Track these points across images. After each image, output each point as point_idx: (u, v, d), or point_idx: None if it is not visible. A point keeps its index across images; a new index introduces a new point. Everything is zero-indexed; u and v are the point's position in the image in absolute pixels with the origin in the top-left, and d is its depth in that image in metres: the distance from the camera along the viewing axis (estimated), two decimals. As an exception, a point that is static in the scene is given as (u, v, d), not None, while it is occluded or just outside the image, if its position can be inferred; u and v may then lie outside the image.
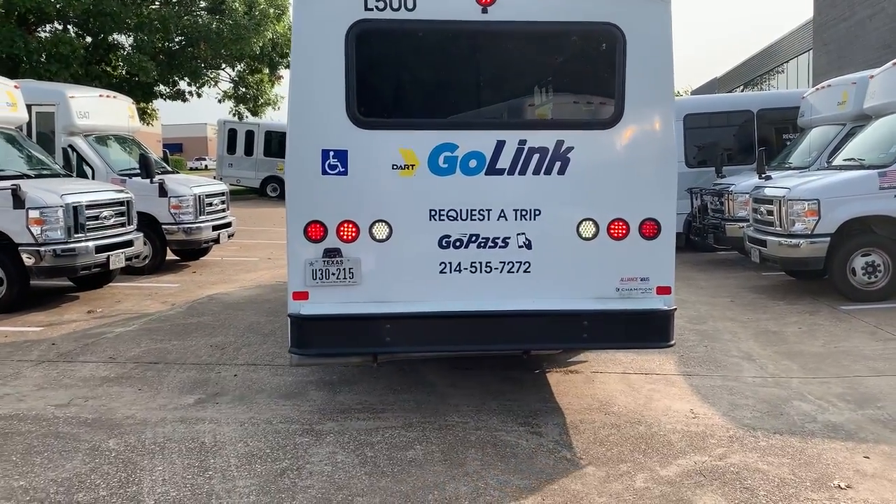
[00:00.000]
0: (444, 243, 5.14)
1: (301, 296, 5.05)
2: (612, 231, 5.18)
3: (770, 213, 10.11)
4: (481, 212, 5.11)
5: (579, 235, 5.18)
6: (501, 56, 5.47)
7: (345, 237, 5.06)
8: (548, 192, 5.15)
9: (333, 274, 5.05)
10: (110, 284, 11.02)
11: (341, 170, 5.02)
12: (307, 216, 5.04)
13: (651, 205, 5.18)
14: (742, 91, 42.03)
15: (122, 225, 10.38)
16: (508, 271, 5.17)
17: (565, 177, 5.13)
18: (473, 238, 5.12)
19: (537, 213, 5.15)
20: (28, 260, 9.12)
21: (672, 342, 5.26)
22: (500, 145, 5.09)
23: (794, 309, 9.08)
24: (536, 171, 5.12)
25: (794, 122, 14.40)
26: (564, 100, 5.75)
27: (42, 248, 9.12)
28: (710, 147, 15.20)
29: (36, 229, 9.07)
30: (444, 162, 5.08)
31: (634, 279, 5.20)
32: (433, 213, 5.11)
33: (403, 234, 5.11)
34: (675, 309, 5.24)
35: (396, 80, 5.60)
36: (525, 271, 5.17)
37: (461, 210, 5.11)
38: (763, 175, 11.72)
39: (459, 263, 5.14)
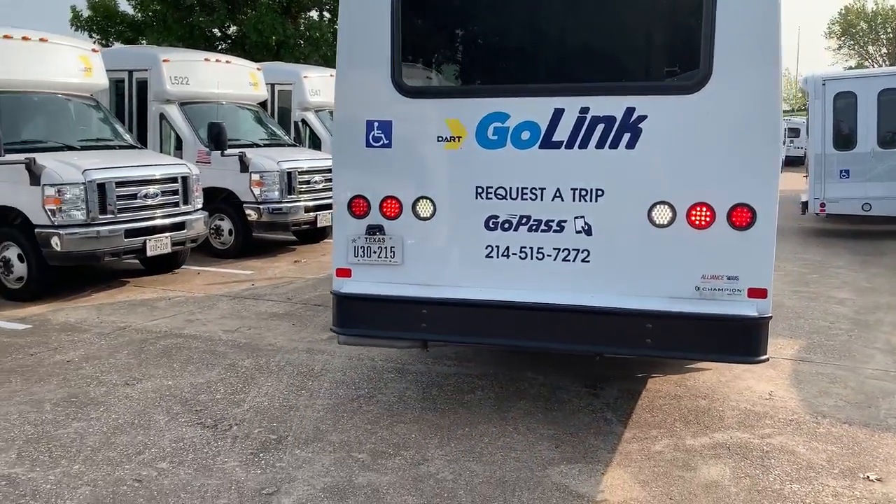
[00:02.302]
0: (491, 224, 4.64)
1: (344, 273, 4.89)
2: (692, 218, 4.33)
3: None
4: (533, 191, 4.56)
5: (651, 222, 4.39)
6: (559, 8, 4.81)
7: (388, 213, 4.79)
8: (613, 170, 4.44)
9: (375, 252, 4.81)
10: (325, 240, 12.66)
11: (385, 142, 4.74)
12: (351, 190, 4.84)
13: (744, 187, 4.26)
14: None
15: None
16: (563, 260, 4.55)
17: (635, 151, 4.37)
18: (524, 220, 4.58)
19: (600, 193, 4.46)
20: (250, 215, 10.90)
21: (763, 357, 4.31)
22: (558, 114, 4.47)
23: None
24: (600, 145, 4.42)
25: None
26: (636, 59, 4.84)
27: (261, 206, 10.84)
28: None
29: (257, 190, 10.79)
30: (493, 133, 4.58)
31: (720, 277, 4.33)
32: (480, 190, 4.64)
33: (447, 213, 4.72)
34: (771, 317, 4.33)
35: (443, 44, 5.22)
36: (583, 261, 4.52)
37: (511, 188, 4.59)
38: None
39: (508, 248, 4.63)
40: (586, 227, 4.52)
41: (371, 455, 4.41)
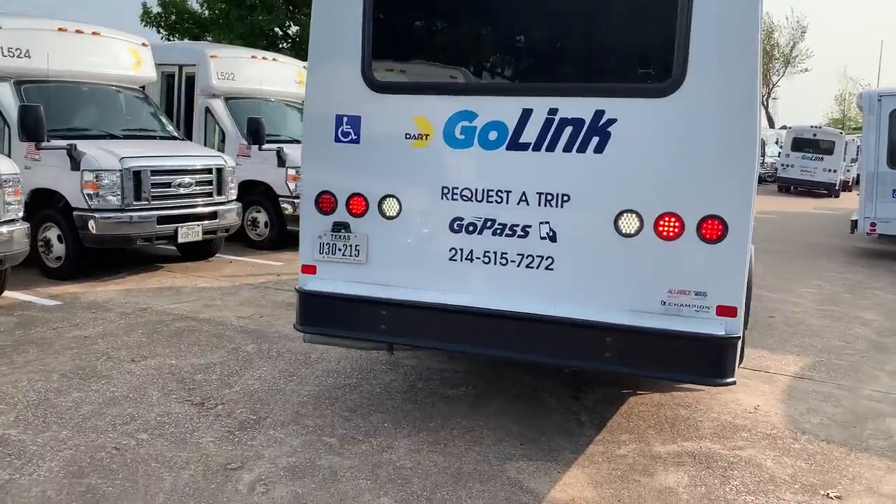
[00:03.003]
0: (455, 227, 4.54)
1: (309, 269, 4.86)
2: (660, 228, 4.16)
3: None
4: (499, 193, 4.44)
5: (617, 231, 4.23)
6: (531, 6, 4.68)
7: (354, 211, 4.73)
8: (580, 175, 4.29)
9: (340, 250, 4.76)
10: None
11: (354, 137, 4.68)
12: (319, 186, 4.79)
13: (716, 198, 4.06)
14: None
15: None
16: (527, 266, 4.43)
17: (603, 156, 4.22)
18: (489, 224, 4.48)
19: (565, 199, 4.32)
20: (286, 209, 11.22)
21: (730, 380, 4.13)
22: (527, 115, 4.34)
23: None
24: (568, 148, 4.28)
25: None
26: (608, 60, 4.62)
27: (296, 200, 11.12)
28: None
29: (292, 184, 11.10)
30: (460, 133, 4.48)
31: (687, 292, 4.14)
32: (446, 191, 4.54)
33: (412, 213, 4.65)
34: (739, 338, 4.13)
35: (414, 39, 5.12)
36: (547, 268, 4.39)
37: (476, 190, 4.49)
38: None
39: (472, 251, 4.52)
40: (551, 234, 4.38)
41: (340, 440, 4.57)
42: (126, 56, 10.16)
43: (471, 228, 4.52)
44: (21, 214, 7.47)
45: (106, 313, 7.25)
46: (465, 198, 4.53)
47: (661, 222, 4.16)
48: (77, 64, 9.46)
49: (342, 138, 4.72)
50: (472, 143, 4.49)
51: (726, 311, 4.10)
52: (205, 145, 11.35)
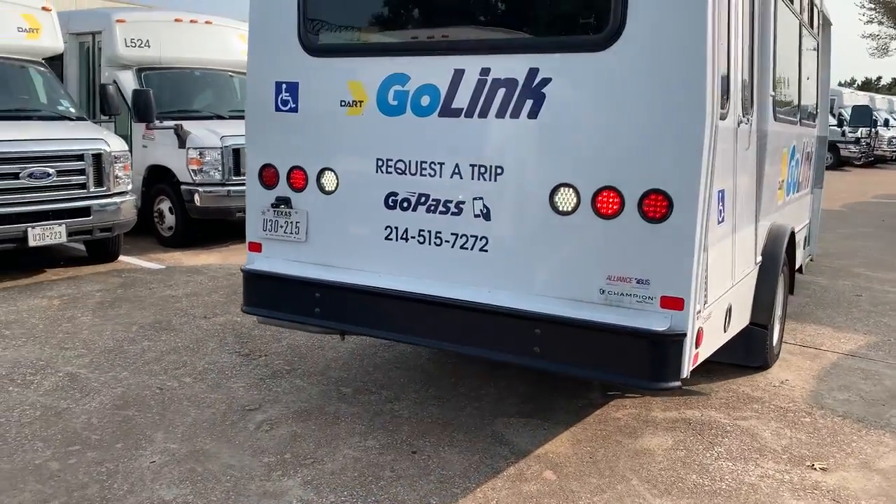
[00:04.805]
0: (390, 202, 4.16)
1: (255, 247, 4.68)
2: (599, 204, 3.63)
3: None
4: (433, 165, 4.02)
5: (553, 208, 3.74)
6: None
7: (295, 185, 4.45)
8: (514, 143, 3.82)
9: (282, 227, 4.52)
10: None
11: (292, 106, 4.38)
12: (261, 159, 4.54)
13: (659, 169, 3.49)
14: None
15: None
16: (462, 247, 4.00)
17: (538, 122, 3.73)
18: (423, 199, 4.07)
19: (499, 171, 3.85)
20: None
21: (673, 384, 3.56)
22: (458, 76, 3.88)
23: None
24: (500, 114, 3.80)
25: None
26: (540, 8, 4.09)
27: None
28: None
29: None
30: (393, 98, 4.07)
31: (628, 280, 3.61)
32: (380, 163, 4.15)
33: (349, 188, 4.30)
34: (685, 335, 3.50)
35: None
36: (481, 250, 3.95)
37: (410, 162, 4.07)
38: None
39: (406, 230, 4.14)
40: (485, 211, 3.92)
41: (354, 391, 4.97)
42: (236, 42, 11.02)
43: (405, 204, 4.14)
44: (130, 188, 8.41)
45: (198, 276, 8.06)
46: (399, 171, 4.14)
47: (601, 198, 3.64)
48: (191, 51, 10.42)
49: (281, 107, 4.44)
50: (404, 110, 4.08)
51: (671, 303, 3.55)
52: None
